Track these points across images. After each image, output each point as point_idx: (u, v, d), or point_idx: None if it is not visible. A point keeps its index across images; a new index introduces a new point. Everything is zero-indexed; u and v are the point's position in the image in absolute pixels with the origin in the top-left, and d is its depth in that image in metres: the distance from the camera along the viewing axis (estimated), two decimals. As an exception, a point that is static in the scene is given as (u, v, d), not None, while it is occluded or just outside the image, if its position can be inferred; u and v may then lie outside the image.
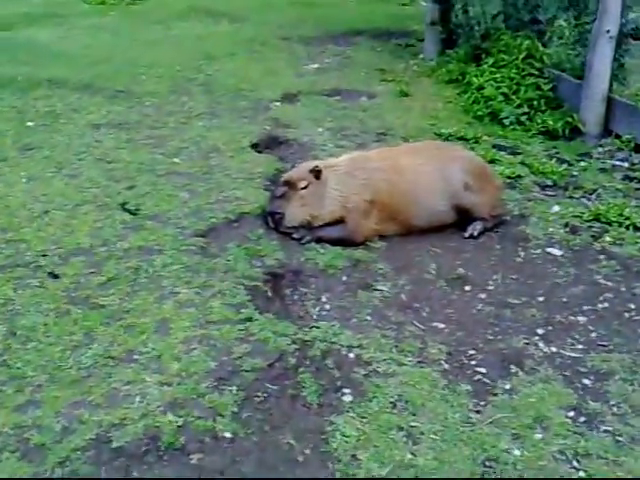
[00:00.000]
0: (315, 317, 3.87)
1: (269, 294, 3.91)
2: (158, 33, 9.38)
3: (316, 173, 4.59)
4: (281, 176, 4.85)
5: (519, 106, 6.84)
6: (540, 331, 3.88)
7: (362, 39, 10.04)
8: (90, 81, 7.07)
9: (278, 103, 6.90)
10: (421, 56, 9.12)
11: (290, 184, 4.58)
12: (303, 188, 4.57)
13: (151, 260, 3.95)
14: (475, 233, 4.83)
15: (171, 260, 3.95)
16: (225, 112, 6.51)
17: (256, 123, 6.28)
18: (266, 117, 6.48)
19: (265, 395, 3.06)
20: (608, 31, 6.17)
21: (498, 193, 5.02)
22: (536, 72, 7.04)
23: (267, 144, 5.89)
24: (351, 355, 3.54)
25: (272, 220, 4.53)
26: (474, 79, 7.21)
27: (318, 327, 3.75)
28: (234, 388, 3.03)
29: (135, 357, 3.17)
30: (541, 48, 7.14)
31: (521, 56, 7.14)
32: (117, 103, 6.63)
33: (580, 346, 3.75)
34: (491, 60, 7.35)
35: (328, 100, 7.18)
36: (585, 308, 4.08)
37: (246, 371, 3.13)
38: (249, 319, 3.51)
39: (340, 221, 4.65)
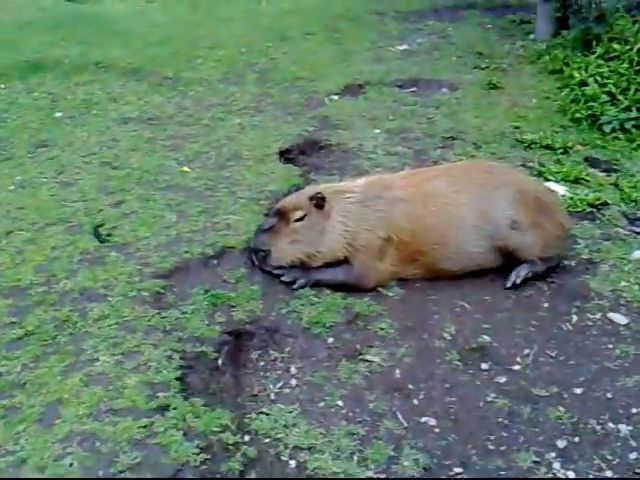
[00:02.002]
0: (273, 397, 3.11)
1: (219, 363, 3.16)
2: (242, 6, 8.70)
3: (317, 201, 3.74)
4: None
5: (626, 109, 5.57)
6: (561, 443, 2.91)
7: (472, 13, 8.90)
8: (140, 65, 6.52)
9: (336, 97, 6.04)
10: (532, 36, 7.86)
11: (282, 214, 3.75)
12: (298, 220, 3.74)
13: (87, 309, 3.30)
14: (518, 281, 3.83)
15: (110, 311, 3.29)
16: (270, 107, 5.75)
17: (299, 122, 5.47)
18: (315, 114, 5.65)
19: (132, 537, 2.34)
20: None
21: (558, 231, 3.92)
22: (654, 66, 5.73)
23: (303, 149, 5.08)
24: (292, 463, 2.77)
25: (256, 258, 3.75)
26: (576, 73, 5.98)
27: (268, 414, 2.99)
28: (92, 524, 2.33)
29: (-7, 460, 2.54)
30: (662, 36, 5.80)
31: (637, 46, 5.83)
32: (160, 92, 6.04)
33: (609, 473, 2.78)
34: (600, 49, 6.08)
35: (399, 93, 6.23)
36: (633, 411, 3.05)
37: (120, 496, 2.42)
38: (165, 408, 2.78)
39: (345, 260, 3.81)
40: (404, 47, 7.54)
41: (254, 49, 7.08)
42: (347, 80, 6.31)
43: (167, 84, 6.19)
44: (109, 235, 3.88)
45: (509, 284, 3.84)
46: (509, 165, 4.31)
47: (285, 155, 4.99)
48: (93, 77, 6.29)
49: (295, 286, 3.70)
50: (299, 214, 3.73)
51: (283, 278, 3.72)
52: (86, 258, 3.69)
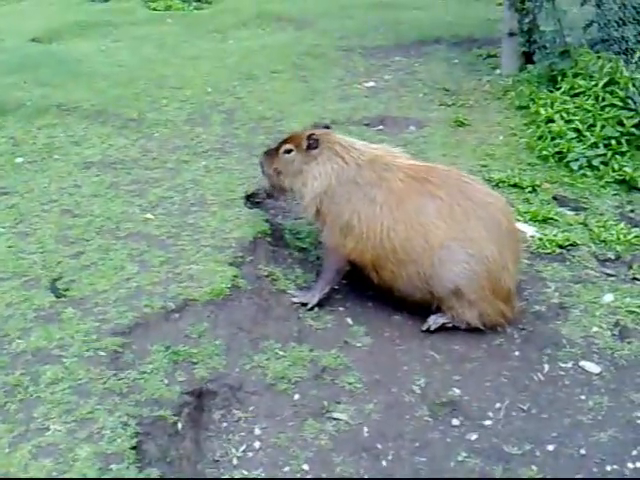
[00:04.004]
0: (235, 463, 3.00)
1: (178, 427, 3.02)
2: (208, 45, 8.63)
3: (309, 141, 3.86)
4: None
5: (593, 146, 5.56)
6: (533, 508, 2.82)
7: (438, 48, 8.84)
8: (104, 107, 6.40)
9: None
10: (498, 71, 7.86)
11: (282, 142, 4.05)
12: (285, 152, 3.97)
13: (40, 372, 3.16)
14: (433, 327, 3.78)
15: (64, 374, 3.15)
16: (236, 148, 5.67)
17: (265, 164, 5.36)
18: (281, 155, 5.54)
19: None
20: None
21: (503, 314, 3.77)
22: (619, 103, 5.72)
23: (269, 192, 4.98)
24: (253, 539, 2.62)
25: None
26: (541, 109, 5.97)
27: (229, 482, 2.86)
28: None
29: None
30: (626, 73, 5.80)
31: (601, 82, 5.84)
32: (124, 135, 5.92)
33: (585, 540, 2.66)
34: (566, 85, 6.08)
35: (366, 132, 6.17)
36: (608, 469, 2.98)
37: None
38: (117, 482, 2.65)
39: None
40: (371, 84, 7.50)
41: (220, 88, 6.99)
42: (314, 119, 6.23)
43: (131, 126, 6.08)
44: (67, 289, 3.75)
45: (424, 328, 3.77)
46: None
47: (251, 199, 4.89)
48: (55, 120, 6.16)
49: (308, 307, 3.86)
50: (287, 147, 3.96)
51: (294, 299, 3.90)
52: (41, 315, 3.55)
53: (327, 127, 4.22)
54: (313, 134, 3.91)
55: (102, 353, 3.28)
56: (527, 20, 6.76)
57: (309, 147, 3.88)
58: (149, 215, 4.56)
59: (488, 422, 3.23)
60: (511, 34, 7.62)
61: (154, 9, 10.64)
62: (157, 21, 9.80)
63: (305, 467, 2.97)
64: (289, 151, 3.96)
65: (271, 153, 4.08)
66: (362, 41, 8.87)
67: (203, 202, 4.74)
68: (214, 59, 7.98)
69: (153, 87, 6.94)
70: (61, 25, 9.34)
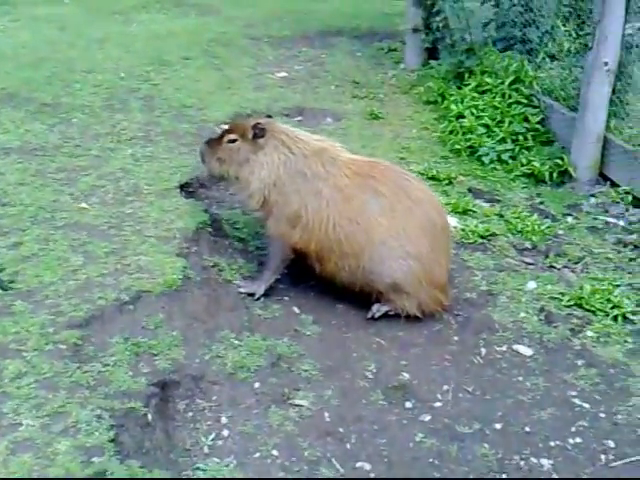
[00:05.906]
0: (206, 451, 3.06)
1: (149, 419, 3.05)
2: (112, 28, 8.41)
3: (255, 131, 3.93)
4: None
5: (502, 141, 5.93)
6: (480, 484, 3.05)
7: (341, 40, 9.02)
8: (15, 90, 6.16)
9: (226, 126, 5.97)
10: (402, 66, 8.14)
11: (225, 131, 4.13)
12: (229, 141, 4.00)
13: (2, 367, 3.09)
14: (377, 315, 3.98)
15: (27, 368, 3.10)
16: (161, 137, 5.62)
17: (195, 153, 5.34)
18: (208, 145, 5.55)
19: None
20: (606, 63, 5.26)
21: (440, 296, 3.99)
22: (524, 100, 6.13)
23: (202, 182, 5.01)
24: (237, 522, 2.71)
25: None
26: (452, 105, 6.29)
27: (204, 469, 2.93)
28: None
29: None
30: (531, 72, 6.21)
31: (508, 80, 6.22)
32: (40, 119, 5.73)
33: (538, 509, 2.92)
34: (474, 82, 6.43)
35: (287, 122, 6.18)
36: (552, 444, 3.25)
37: None
38: (101, 474, 2.66)
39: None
40: (283, 74, 7.59)
41: (134, 74, 6.87)
42: (235, 109, 6.28)
43: (46, 111, 5.88)
44: (11, 282, 3.65)
45: (369, 316, 3.97)
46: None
47: (185, 188, 4.89)
48: (-37, 104, 5.87)
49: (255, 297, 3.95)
50: (232, 137, 4.00)
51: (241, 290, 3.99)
52: (-10, 309, 3.45)
53: (269, 116, 4.31)
54: (259, 123, 3.97)
55: (62, 346, 3.24)
56: (438, 18, 7.01)
57: (255, 136, 3.95)
58: (84, 204, 4.47)
59: (438, 404, 3.44)
60: (415, 30, 7.91)
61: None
62: (55, 1, 9.42)
63: (275, 453, 3.07)
64: (233, 140, 4.01)
65: (213, 143, 4.11)
66: (268, 30, 8.92)
67: (138, 192, 4.70)
68: (121, 43, 7.80)
69: (63, 70, 6.72)
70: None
